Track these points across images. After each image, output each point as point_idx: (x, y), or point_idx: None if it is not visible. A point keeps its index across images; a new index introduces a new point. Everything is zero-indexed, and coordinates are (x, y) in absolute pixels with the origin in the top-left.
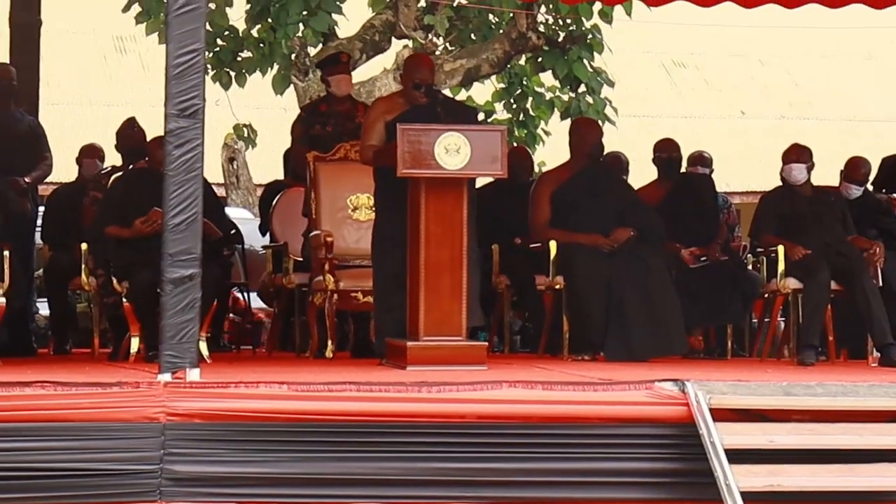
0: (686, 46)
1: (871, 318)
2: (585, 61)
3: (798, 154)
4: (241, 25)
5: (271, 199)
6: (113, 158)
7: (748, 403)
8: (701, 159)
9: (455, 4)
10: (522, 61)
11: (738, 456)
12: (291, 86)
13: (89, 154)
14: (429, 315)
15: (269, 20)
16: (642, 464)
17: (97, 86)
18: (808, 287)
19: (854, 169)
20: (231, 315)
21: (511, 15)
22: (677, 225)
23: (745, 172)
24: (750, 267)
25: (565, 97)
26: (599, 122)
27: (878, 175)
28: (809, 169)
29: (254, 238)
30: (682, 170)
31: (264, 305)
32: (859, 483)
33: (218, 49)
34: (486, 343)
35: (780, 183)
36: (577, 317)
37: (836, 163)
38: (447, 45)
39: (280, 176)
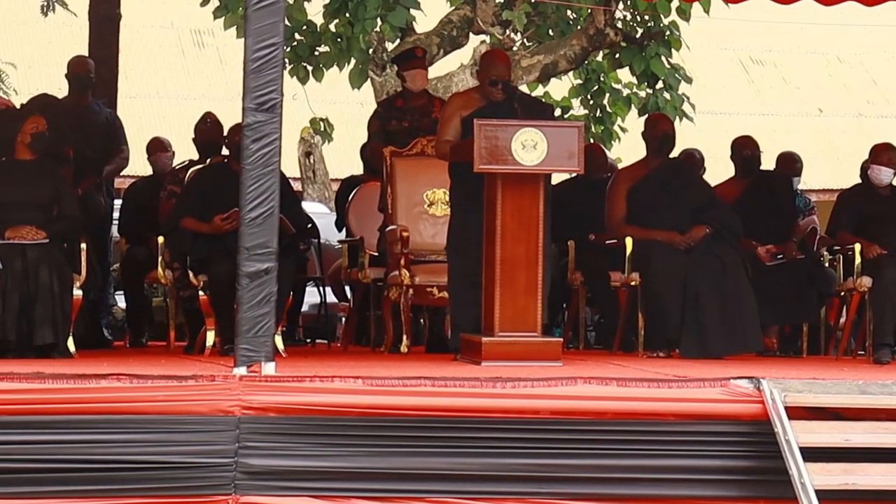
0: (764, 44)
1: None
2: (663, 58)
3: (889, 157)
4: (318, 20)
5: (347, 194)
6: (185, 150)
7: (823, 402)
8: (791, 161)
9: (533, 0)
10: (600, 57)
11: (812, 454)
12: (368, 81)
13: (158, 149)
14: (504, 311)
15: (347, 15)
16: (717, 461)
17: (175, 79)
18: (875, 285)
19: None
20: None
21: (589, 11)
22: (753, 222)
23: (824, 170)
24: (826, 265)
25: (642, 93)
26: (676, 118)
27: None
28: None
29: (330, 232)
30: (762, 167)
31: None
32: None
33: (295, 43)
34: (561, 339)
35: (859, 180)
36: (652, 313)
37: None
38: (525, 40)
39: (356, 171)
